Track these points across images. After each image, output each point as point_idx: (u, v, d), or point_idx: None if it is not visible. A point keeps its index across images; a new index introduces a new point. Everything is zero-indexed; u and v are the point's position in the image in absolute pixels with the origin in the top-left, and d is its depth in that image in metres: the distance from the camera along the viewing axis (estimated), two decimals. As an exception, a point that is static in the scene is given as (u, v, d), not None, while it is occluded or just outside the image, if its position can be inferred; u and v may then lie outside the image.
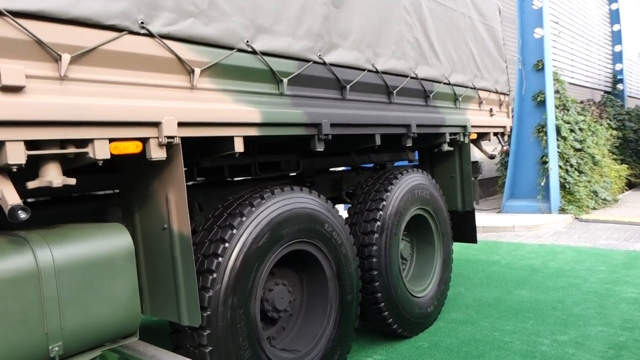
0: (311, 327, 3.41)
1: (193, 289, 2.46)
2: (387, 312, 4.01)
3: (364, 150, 5.21)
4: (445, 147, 4.79)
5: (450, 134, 4.79)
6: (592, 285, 5.71)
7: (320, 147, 3.19)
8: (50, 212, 2.80)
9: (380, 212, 4.00)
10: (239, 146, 2.65)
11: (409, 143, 4.13)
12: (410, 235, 4.81)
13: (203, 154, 2.88)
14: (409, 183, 4.32)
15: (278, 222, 2.99)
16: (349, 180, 5.11)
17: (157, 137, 2.25)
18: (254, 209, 2.91)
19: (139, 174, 2.60)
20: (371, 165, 5.99)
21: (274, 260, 3.01)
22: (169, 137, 2.26)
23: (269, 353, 2.95)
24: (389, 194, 4.10)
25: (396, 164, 6.32)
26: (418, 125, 4.16)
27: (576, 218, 10.51)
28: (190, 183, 3.67)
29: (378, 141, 3.75)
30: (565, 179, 11.11)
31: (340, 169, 5.54)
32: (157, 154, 2.26)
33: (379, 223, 3.97)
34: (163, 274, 2.57)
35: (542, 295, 5.39)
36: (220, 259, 2.71)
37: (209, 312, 2.63)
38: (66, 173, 2.06)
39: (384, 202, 4.05)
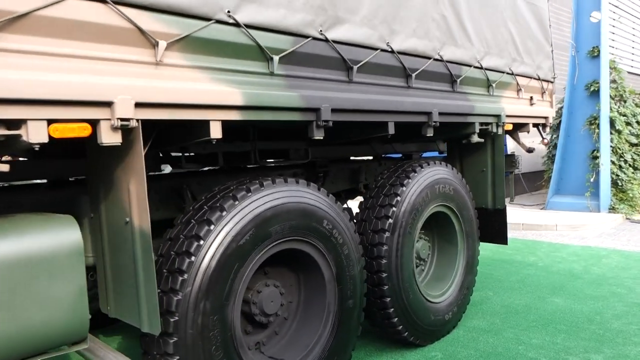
0: (305, 334, 3.09)
1: (152, 292, 2.18)
2: (396, 319, 3.63)
3: (388, 139, 4.81)
4: (475, 139, 4.31)
5: (481, 123, 4.30)
6: (638, 297, 5.11)
7: (319, 135, 2.83)
8: (12, 199, 2.59)
9: (394, 208, 3.61)
10: (215, 131, 2.33)
11: (430, 133, 3.69)
12: (431, 234, 4.40)
13: (180, 139, 2.58)
14: (430, 177, 3.89)
15: (265, 218, 2.66)
16: (369, 171, 4.73)
17: (110, 119, 1.95)
18: (237, 202, 2.60)
19: (102, 160, 2.33)
20: (398, 155, 5.58)
21: (259, 261, 2.70)
22: (123, 120, 1.96)
23: (249, 363, 2.66)
24: (404, 188, 3.70)
25: (425, 155, 5.89)
26: (441, 114, 3.71)
27: (627, 218, 9.68)
28: (184, 170, 3.40)
29: (391, 130, 3.34)
30: (617, 175, 10.25)
31: (362, 158, 5.16)
32: (109, 138, 1.96)
33: (391, 221, 3.58)
34: (125, 272, 2.30)
35: (579, 305, 4.86)
36: (192, 258, 2.41)
37: (176, 318, 2.35)
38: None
39: (398, 198, 3.65)
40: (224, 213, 2.54)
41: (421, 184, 3.81)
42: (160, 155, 3.26)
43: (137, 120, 2.03)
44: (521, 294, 5.27)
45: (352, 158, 4.98)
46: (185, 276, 2.38)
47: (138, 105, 2.01)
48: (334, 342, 3.11)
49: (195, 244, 2.44)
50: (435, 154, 5.74)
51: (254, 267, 2.67)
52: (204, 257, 2.43)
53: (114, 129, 1.97)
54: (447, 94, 3.86)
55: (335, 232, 3.07)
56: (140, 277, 2.21)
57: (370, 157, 5.09)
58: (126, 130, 2.02)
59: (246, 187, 2.67)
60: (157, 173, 3.41)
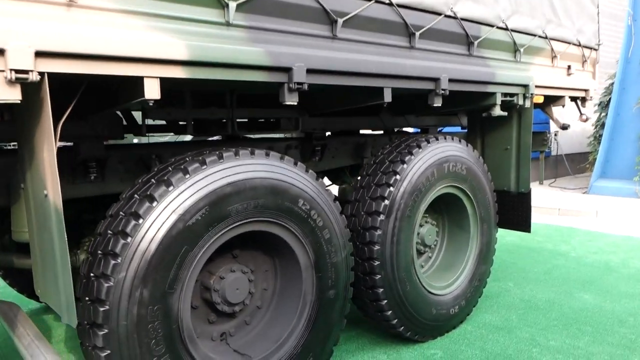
0: (277, 326, 2.75)
1: (67, 278, 1.86)
2: (390, 312, 3.23)
3: (400, 110, 4.33)
4: (497, 112, 3.78)
5: (504, 94, 3.76)
6: (683, 298, 4.50)
7: (291, 100, 2.42)
8: None
9: (391, 188, 3.17)
10: (150, 91, 1.95)
11: (438, 102, 3.20)
12: (440, 218, 3.93)
13: (112, 101, 2.23)
14: (437, 154, 3.41)
15: (222, 196, 2.29)
16: (376, 146, 4.27)
17: (3, 71, 1.61)
18: (187, 176, 2.24)
19: (21, 123, 2.00)
20: (416, 130, 5.10)
21: (216, 244, 2.34)
22: (19, 72, 1.61)
23: (200, 359, 2.33)
24: (405, 166, 3.24)
25: (445, 130, 5.36)
26: (452, 81, 3.21)
27: (680, 207, 8.80)
28: (169, 139, 3.06)
29: (388, 97, 2.88)
30: (671, 159, 9.33)
31: (373, 132, 4.71)
32: (4, 94, 1.62)
33: (387, 202, 3.14)
34: (48, 253, 2.00)
35: (611, 304, 4.30)
36: (128, 239, 2.08)
37: (107, 307, 2.03)
38: None
39: (397, 177, 3.20)
40: (171, 188, 2.19)
41: (426, 161, 3.33)
42: (124, 122, 2.92)
43: (41, 73, 1.67)
44: (545, 287, 4.74)
45: (362, 132, 4.54)
46: (119, 260, 2.05)
47: (40, 54, 1.65)
48: (310, 337, 2.75)
49: (133, 222, 2.10)
50: (458, 129, 5.22)
51: (209, 251, 2.33)
52: (142, 238, 2.09)
53: (10, 82, 1.62)
54: (462, 58, 3.33)
55: (313, 214, 2.67)
56: (57, 259, 1.89)
57: (381, 132, 4.64)
58: (27, 85, 1.67)
59: (201, 160, 2.30)
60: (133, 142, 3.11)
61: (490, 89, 3.59)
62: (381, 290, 3.16)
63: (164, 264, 2.13)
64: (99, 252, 2.11)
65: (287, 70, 2.36)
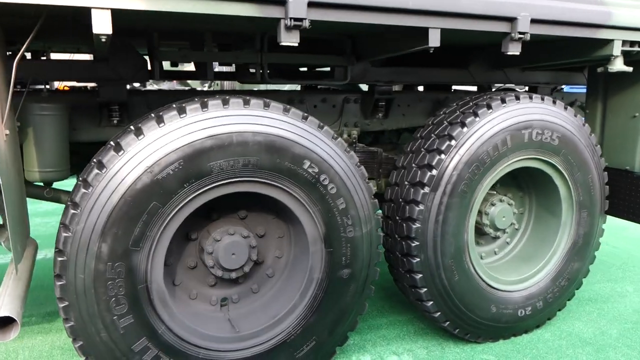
0: (278, 301, 2.46)
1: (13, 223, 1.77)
2: (431, 303, 2.73)
3: (497, 62, 3.59)
4: (617, 66, 2.88)
5: (628, 43, 2.83)
6: None
7: (288, 40, 2.01)
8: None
9: (442, 156, 2.60)
10: (101, 24, 1.72)
11: (514, 50, 2.50)
12: (527, 198, 3.21)
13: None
14: (513, 117, 2.71)
15: (201, 150, 2.02)
16: (462, 105, 3.61)
17: None
18: (161, 125, 2.00)
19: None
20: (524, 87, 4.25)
21: (194, 203, 2.09)
22: None
23: (174, 324, 2.14)
24: (465, 130, 2.62)
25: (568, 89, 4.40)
26: (536, 21, 2.46)
27: None
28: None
29: (433, 42, 2.29)
30: None
31: (464, 88, 4.03)
32: None
33: (434, 172, 2.59)
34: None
35: None
36: (90, 189, 1.93)
37: (64, 258, 1.93)
38: None
39: (452, 142, 2.60)
40: (140, 137, 1.98)
41: (495, 125, 2.66)
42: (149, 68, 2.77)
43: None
44: (679, 298, 3.69)
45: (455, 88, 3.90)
46: (78, 210, 1.93)
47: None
48: (314, 319, 2.41)
49: (95, 171, 1.95)
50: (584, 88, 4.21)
51: (186, 210, 2.09)
52: (103, 189, 1.93)
53: None
54: (556, -9, 2.54)
55: (324, 179, 2.27)
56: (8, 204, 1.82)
57: (474, 88, 3.93)
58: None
59: (179, 108, 2.05)
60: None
61: (603, 34, 2.71)
62: (419, 276, 2.67)
63: (127, 218, 1.95)
64: (69, 201, 2.01)
65: (283, 2, 1.95)
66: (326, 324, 2.45)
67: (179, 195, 2.03)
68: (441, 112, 2.87)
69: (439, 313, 2.77)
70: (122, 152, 1.96)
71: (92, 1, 1.70)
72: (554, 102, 2.88)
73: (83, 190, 1.93)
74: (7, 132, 1.85)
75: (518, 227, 3.27)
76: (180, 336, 2.16)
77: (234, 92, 2.80)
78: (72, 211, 1.93)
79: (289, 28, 1.99)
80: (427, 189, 2.59)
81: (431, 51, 2.36)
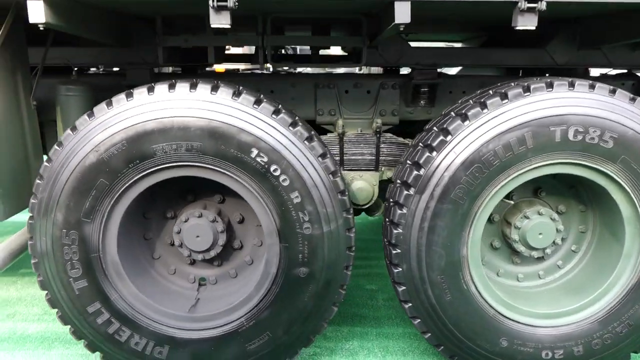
0: (238, 289, 2.43)
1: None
2: (418, 320, 2.39)
3: (589, 39, 2.91)
4: None
5: None
6: None
7: (219, 22, 1.93)
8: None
9: (432, 153, 2.21)
10: (35, 14, 1.91)
11: (527, 24, 1.99)
12: (587, 212, 2.55)
13: None
14: (537, 109, 2.14)
15: (143, 132, 2.10)
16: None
17: None
18: (110, 108, 2.14)
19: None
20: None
21: (143, 183, 2.19)
22: None
23: (127, 293, 2.29)
24: (465, 123, 2.18)
25: None
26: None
27: None
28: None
29: (401, 17, 1.95)
30: None
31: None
32: None
33: (421, 172, 2.23)
34: None
35: None
36: (50, 163, 2.18)
37: (32, 222, 2.22)
38: None
39: (447, 137, 2.20)
40: (92, 119, 2.15)
41: (508, 119, 2.15)
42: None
43: None
44: None
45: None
46: (41, 181, 2.19)
47: None
48: (267, 314, 2.32)
49: (55, 148, 2.18)
50: None
51: (137, 188, 2.20)
52: (59, 164, 2.15)
53: None
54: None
55: (274, 169, 2.15)
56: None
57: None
58: None
59: (127, 92, 2.15)
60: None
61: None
62: (402, 288, 2.35)
63: (78, 192, 2.15)
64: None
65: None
66: (281, 321, 2.33)
67: (125, 174, 2.15)
68: (458, 104, 2.43)
69: (429, 334, 2.40)
70: (75, 131, 2.15)
71: (26, -6, 1.88)
72: (612, 92, 2.19)
73: (46, 164, 2.19)
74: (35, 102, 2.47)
75: (576, 249, 2.61)
76: (132, 306, 2.31)
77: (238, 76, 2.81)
78: (38, 181, 2.20)
79: (219, 9, 1.91)
80: (411, 191, 2.25)
81: (401, 28, 2.01)
